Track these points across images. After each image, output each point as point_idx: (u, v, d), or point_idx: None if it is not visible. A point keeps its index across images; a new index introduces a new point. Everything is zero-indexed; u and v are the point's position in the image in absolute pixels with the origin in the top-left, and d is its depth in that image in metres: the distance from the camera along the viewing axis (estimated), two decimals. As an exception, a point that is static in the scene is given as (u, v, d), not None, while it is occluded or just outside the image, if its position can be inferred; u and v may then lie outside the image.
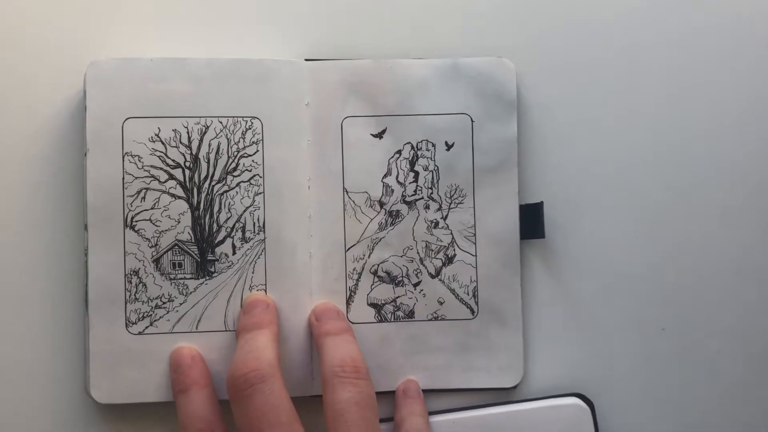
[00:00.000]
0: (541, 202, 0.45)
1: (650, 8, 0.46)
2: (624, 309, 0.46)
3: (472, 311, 0.45)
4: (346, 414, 0.39)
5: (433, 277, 0.45)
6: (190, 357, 0.43)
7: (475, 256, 0.45)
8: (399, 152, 0.44)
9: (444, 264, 0.45)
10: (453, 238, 0.45)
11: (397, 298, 0.45)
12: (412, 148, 0.44)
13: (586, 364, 0.46)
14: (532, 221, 0.45)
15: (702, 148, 0.47)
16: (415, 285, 0.45)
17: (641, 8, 0.46)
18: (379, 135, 0.44)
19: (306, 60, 0.45)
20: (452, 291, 0.45)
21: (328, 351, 0.41)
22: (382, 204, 0.45)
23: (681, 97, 0.47)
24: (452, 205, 0.45)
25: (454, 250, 0.45)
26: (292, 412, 0.39)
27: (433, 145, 0.44)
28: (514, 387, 0.45)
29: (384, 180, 0.45)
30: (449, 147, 0.44)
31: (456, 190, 0.45)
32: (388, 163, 0.44)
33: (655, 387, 0.46)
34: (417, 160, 0.44)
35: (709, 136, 0.47)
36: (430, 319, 0.45)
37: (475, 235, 0.45)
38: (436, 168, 0.44)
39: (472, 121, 0.44)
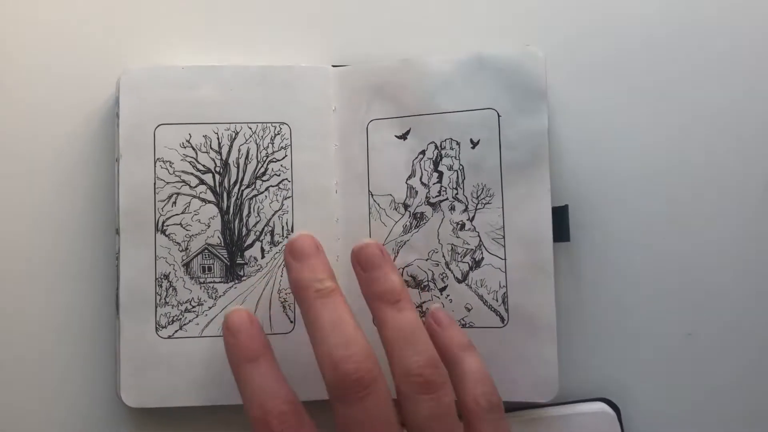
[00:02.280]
0: (566, 206, 0.43)
1: (687, 2, 0.45)
2: (650, 314, 0.44)
3: (502, 319, 0.42)
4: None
5: (459, 281, 0.43)
6: (249, 321, 0.40)
7: (504, 259, 0.42)
8: (423, 152, 0.43)
9: (471, 268, 0.43)
10: (480, 240, 0.42)
11: (423, 303, 0.43)
12: (436, 147, 0.43)
13: (612, 369, 0.44)
14: (557, 224, 0.42)
15: (734, 151, 0.45)
16: (441, 290, 0.43)
17: (677, 1, 0.45)
18: (403, 136, 0.43)
19: (333, 66, 0.45)
20: (480, 297, 0.42)
21: (401, 348, 0.38)
22: (406, 206, 0.43)
23: (714, 98, 0.45)
24: (479, 206, 0.43)
25: (482, 253, 0.42)
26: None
27: (458, 144, 0.43)
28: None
29: (408, 182, 0.43)
30: (474, 144, 0.43)
31: (483, 189, 0.43)
32: (412, 164, 0.43)
33: (680, 393, 0.44)
34: (441, 159, 0.43)
35: (742, 138, 0.45)
36: (458, 327, 0.43)
37: (504, 237, 0.42)
38: (461, 167, 0.43)
39: (498, 115, 0.42)
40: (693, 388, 0.44)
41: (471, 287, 0.42)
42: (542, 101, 0.42)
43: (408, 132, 0.43)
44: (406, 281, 0.43)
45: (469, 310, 0.42)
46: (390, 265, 0.40)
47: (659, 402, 0.44)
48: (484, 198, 0.43)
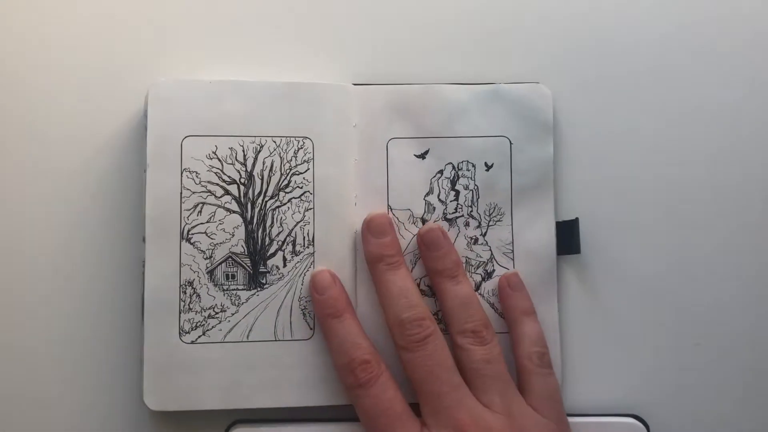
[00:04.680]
0: (576, 219, 0.47)
1: (678, 32, 0.49)
2: (658, 324, 0.48)
3: (510, 325, 0.47)
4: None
5: (472, 291, 0.47)
6: (333, 280, 0.46)
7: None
8: (441, 172, 0.47)
9: (483, 279, 0.47)
10: (492, 254, 0.47)
11: (438, 311, 0.46)
12: (454, 168, 0.47)
13: (625, 380, 0.47)
14: (567, 237, 0.47)
15: (737, 165, 0.49)
16: (456, 298, 0.47)
17: (669, 33, 0.49)
18: (422, 156, 0.47)
19: (354, 84, 0.47)
20: (491, 305, 0.47)
21: (458, 313, 0.45)
22: (424, 221, 0.47)
23: (713, 116, 0.49)
24: (491, 223, 0.47)
25: (493, 265, 0.47)
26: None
27: (474, 166, 0.47)
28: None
29: (426, 198, 0.47)
30: (489, 167, 0.47)
31: (495, 208, 0.47)
32: (430, 182, 0.47)
33: (692, 403, 0.48)
34: (458, 179, 0.47)
35: (744, 153, 0.49)
36: (470, 332, 0.47)
37: (513, 251, 0.47)
38: (476, 187, 0.47)
39: (510, 143, 0.47)
40: (703, 399, 0.47)
41: (483, 296, 0.47)
42: (549, 133, 0.47)
43: (427, 152, 0.47)
44: (422, 291, 0.46)
45: (480, 317, 0.47)
46: (450, 246, 0.46)
47: (670, 411, 0.47)
48: (496, 216, 0.47)
